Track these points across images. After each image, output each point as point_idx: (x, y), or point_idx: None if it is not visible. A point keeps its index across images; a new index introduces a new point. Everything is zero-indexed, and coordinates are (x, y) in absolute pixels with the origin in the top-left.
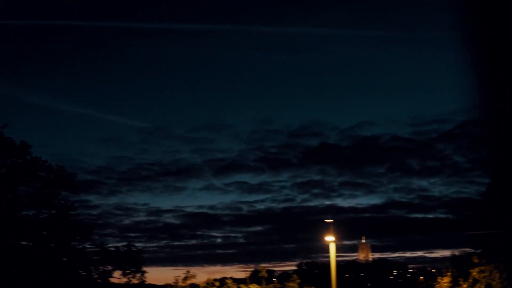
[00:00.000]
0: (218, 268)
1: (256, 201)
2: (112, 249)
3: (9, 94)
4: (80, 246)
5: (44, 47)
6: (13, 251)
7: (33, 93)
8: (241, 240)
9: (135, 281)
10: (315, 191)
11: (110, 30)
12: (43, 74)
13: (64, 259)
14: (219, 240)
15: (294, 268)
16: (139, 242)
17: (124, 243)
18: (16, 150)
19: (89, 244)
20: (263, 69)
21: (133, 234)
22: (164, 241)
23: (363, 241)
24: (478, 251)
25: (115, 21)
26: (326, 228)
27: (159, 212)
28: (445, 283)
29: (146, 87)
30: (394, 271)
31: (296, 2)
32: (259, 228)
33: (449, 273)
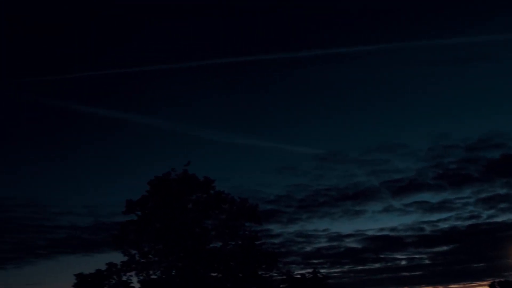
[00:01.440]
0: None
1: (439, 220)
2: (298, 276)
3: (188, 133)
4: (267, 275)
5: (214, 84)
6: (203, 282)
7: (210, 129)
8: (427, 261)
9: None
10: (502, 205)
11: (273, 62)
12: (216, 110)
13: None
14: (403, 262)
15: None
16: (323, 268)
17: (308, 270)
18: (200, 186)
19: (275, 273)
20: (434, 83)
21: (316, 261)
22: (347, 266)
23: None
24: None
25: (276, 53)
26: None
27: (340, 237)
28: None
29: (316, 113)
30: None
31: (462, 10)
32: (444, 248)
33: None
